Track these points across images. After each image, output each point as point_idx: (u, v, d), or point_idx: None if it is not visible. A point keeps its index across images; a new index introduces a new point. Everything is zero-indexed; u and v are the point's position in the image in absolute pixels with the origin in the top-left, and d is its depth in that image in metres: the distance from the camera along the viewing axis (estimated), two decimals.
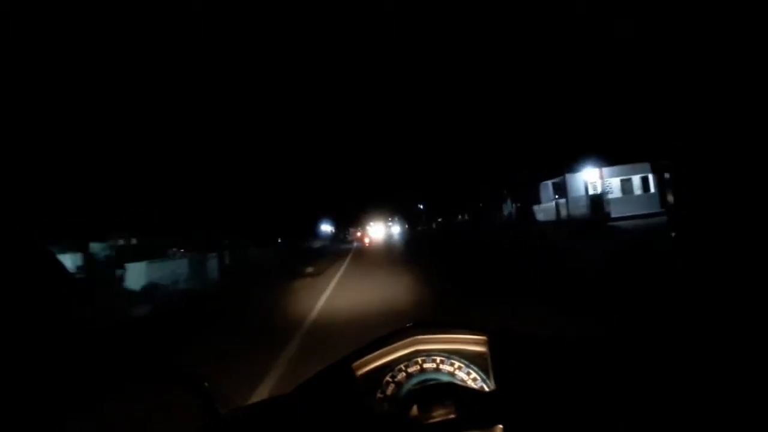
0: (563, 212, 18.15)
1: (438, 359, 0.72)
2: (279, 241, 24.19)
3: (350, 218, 55.51)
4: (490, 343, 0.71)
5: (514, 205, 24.05)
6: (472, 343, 0.73)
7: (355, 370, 0.70)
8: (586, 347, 0.72)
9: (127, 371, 0.66)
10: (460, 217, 37.92)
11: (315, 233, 34.27)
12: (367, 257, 16.75)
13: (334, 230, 45.04)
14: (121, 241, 13.67)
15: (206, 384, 0.68)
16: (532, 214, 20.07)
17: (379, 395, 0.68)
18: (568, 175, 17.88)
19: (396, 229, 46.50)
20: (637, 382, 0.61)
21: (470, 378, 0.70)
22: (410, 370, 0.71)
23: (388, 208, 51.00)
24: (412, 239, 29.24)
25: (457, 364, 0.71)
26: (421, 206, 47.05)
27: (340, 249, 26.66)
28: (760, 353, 0.58)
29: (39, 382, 0.58)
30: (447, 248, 15.32)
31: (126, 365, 0.68)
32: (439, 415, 0.60)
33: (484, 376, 0.69)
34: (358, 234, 51.11)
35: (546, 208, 20.58)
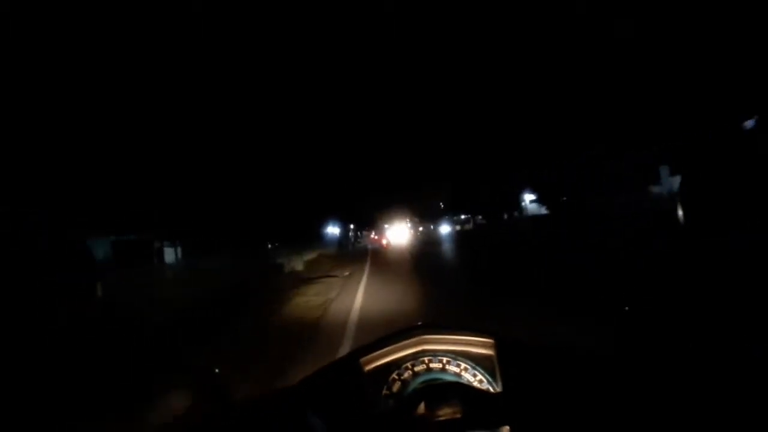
0: None
1: (444, 360, 0.80)
2: (270, 245, 16.74)
3: (366, 219, 50.63)
4: (497, 347, 0.77)
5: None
6: (480, 346, 0.79)
7: (362, 366, 0.78)
8: (593, 356, 0.79)
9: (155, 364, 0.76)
10: (507, 215, 31.03)
11: (319, 236, 27.30)
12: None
13: (342, 232, 38.51)
14: None
15: (217, 371, 0.78)
16: None
17: (385, 392, 0.76)
18: None
19: (444, 229, 36.97)
20: (642, 392, 0.67)
21: (476, 380, 0.77)
22: (417, 368, 0.79)
23: (412, 208, 44.49)
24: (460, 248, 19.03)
25: (463, 365, 0.78)
26: (442, 204, 39.33)
27: (347, 260, 17.14)
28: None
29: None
30: None
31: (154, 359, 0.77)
32: (446, 414, 0.65)
33: (491, 379, 0.76)
34: (373, 237, 46.36)
35: None
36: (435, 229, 44.24)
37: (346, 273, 11.15)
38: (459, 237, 30.04)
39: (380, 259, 16.77)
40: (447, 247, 20.40)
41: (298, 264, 13.50)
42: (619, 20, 12.09)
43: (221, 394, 0.75)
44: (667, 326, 0.76)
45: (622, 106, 14.33)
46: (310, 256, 16.92)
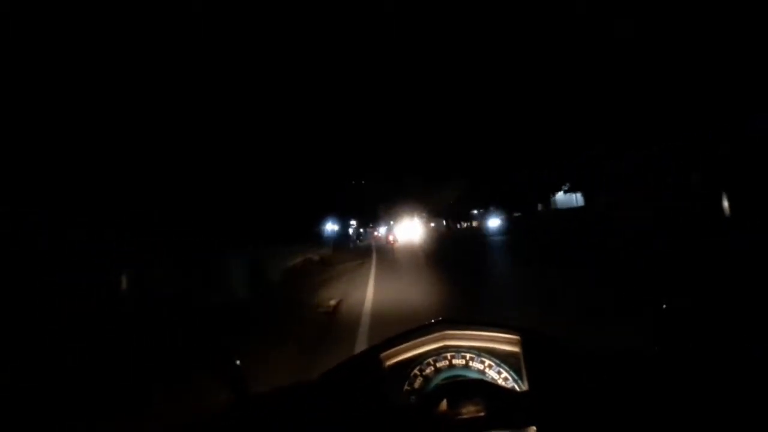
0: None
1: (468, 356, 0.77)
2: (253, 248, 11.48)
3: (370, 215, 49.00)
4: (523, 344, 0.75)
5: None
6: (504, 342, 0.77)
7: (383, 361, 0.76)
8: (622, 354, 0.78)
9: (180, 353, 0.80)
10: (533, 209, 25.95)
11: (318, 235, 24.13)
12: None
13: (340, 230, 33.67)
14: None
15: (238, 362, 0.76)
16: None
17: (406, 388, 0.74)
18: None
19: (493, 223, 26.91)
20: (672, 392, 0.66)
21: (501, 377, 0.75)
22: (439, 365, 0.77)
23: (420, 204, 41.77)
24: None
25: (487, 362, 0.76)
26: (452, 201, 36.72)
27: (342, 267, 12.58)
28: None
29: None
30: None
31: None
32: (469, 412, 0.64)
33: (516, 376, 0.74)
34: (377, 234, 45.31)
35: None
36: (448, 225, 40.78)
37: (332, 302, 6.50)
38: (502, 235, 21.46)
39: (389, 265, 11.83)
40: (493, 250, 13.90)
41: (275, 274, 10.09)
42: (619, 20, 12.15)
43: (240, 387, 0.75)
44: (704, 324, 0.73)
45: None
46: (294, 261, 12.89)
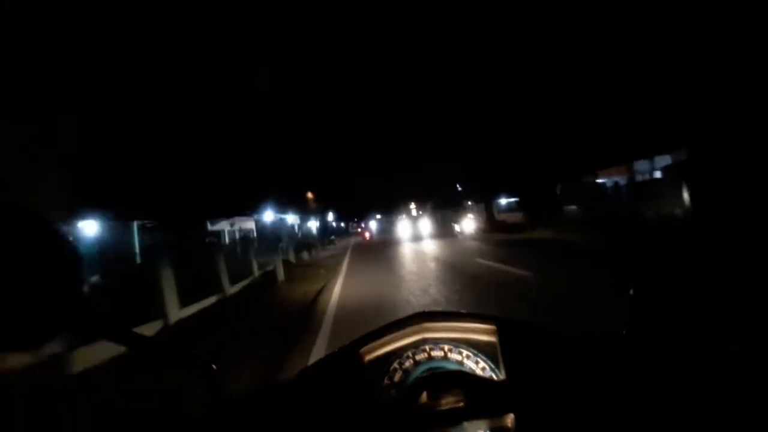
0: None
1: (446, 347, 0.79)
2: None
3: (353, 209, 47.18)
4: (499, 333, 0.77)
5: None
6: (481, 333, 0.79)
7: (363, 356, 0.77)
8: (599, 339, 0.79)
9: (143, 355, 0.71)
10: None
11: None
12: None
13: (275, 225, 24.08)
14: None
15: (214, 366, 0.74)
16: None
17: (386, 382, 0.75)
18: None
19: None
20: (647, 376, 0.67)
21: (479, 367, 0.76)
22: (418, 357, 0.78)
23: (421, 195, 36.59)
24: None
25: (465, 352, 0.78)
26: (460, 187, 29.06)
27: None
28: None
29: None
30: None
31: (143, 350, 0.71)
32: (448, 403, 0.65)
33: (494, 366, 0.75)
34: (358, 229, 45.12)
35: None
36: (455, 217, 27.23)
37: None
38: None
39: None
40: None
41: None
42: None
43: (216, 391, 0.71)
44: (669, 307, 0.73)
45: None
46: None
